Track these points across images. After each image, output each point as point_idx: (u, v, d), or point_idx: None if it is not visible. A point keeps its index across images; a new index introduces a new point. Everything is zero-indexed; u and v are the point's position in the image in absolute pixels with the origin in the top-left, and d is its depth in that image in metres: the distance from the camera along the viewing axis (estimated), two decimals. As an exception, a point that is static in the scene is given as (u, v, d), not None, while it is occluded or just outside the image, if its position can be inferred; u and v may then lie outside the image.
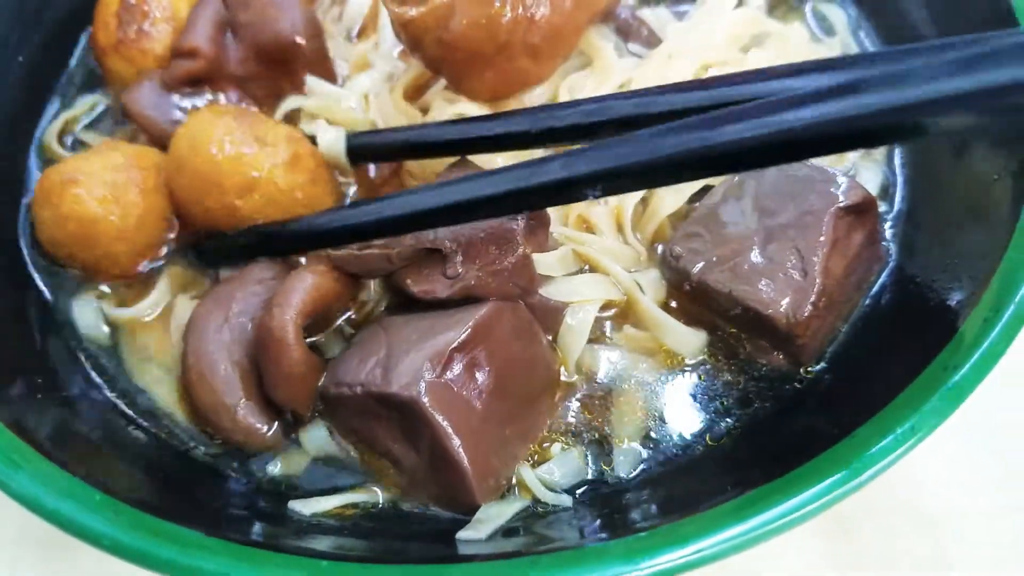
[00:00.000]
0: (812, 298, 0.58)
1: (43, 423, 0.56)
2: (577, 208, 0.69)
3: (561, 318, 0.65)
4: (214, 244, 0.70)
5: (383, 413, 0.59)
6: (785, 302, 0.59)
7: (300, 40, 0.77)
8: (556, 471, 0.60)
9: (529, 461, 0.61)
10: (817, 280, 0.58)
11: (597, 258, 0.67)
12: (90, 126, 0.81)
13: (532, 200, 0.57)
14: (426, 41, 0.70)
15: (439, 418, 0.55)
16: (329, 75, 0.80)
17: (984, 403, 0.52)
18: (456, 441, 0.55)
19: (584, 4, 0.74)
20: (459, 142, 0.66)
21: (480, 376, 0.58)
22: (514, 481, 0.59)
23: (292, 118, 0.78)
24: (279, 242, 0.67)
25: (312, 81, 0.78)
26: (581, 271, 0.68)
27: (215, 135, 0.65)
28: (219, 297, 0.67)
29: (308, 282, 0.63)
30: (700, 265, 0.62)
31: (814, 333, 0.60)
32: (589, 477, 0.60)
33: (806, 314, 0.58)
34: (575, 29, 0.74)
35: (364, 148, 0.72)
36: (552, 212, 0.67)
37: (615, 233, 0.70)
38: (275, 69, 0.78)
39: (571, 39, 0.74)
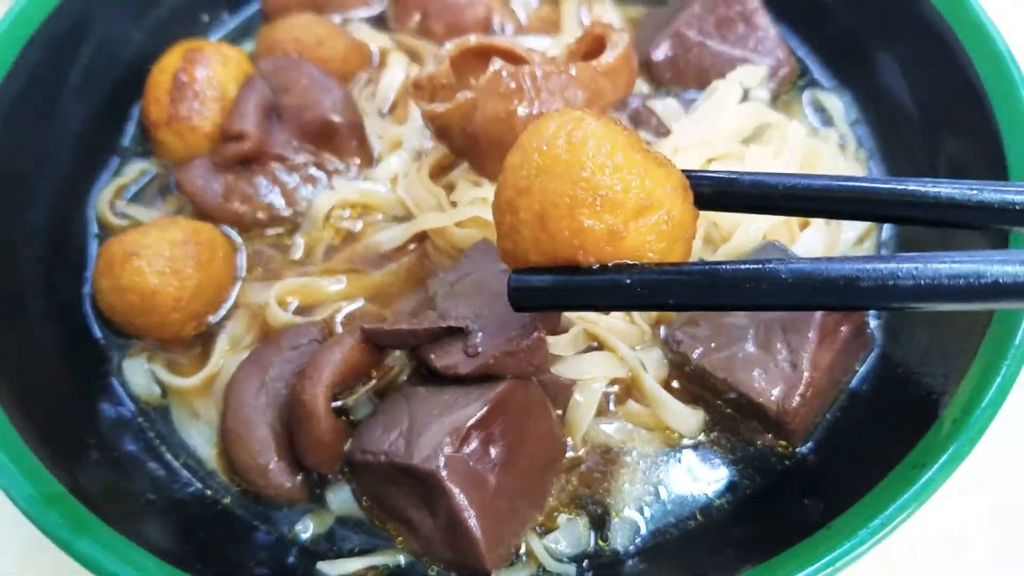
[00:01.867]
0: (800, 389, 0.64)
1: (97, 485, 0.62)
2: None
3: (570, 394, 0.70)
4: (549, 282, 0.52)
5: (404, 481, 0.64)
6: (776, 391, 0.64)
7: (339, 119, 0.84)
8: (561, 540, 0.65)
9: (537, 531, 0.66)
10: (805, 373, 0.64)
11: (605, 336, 0.73)
12: (137, 197, 0.87)
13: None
14: (452, 132, 0.77)
15: (456, 491, 0.60)
16: (365, 149, 0.87)
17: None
18: (471, 513, 0.60)
19: (596, 98, 0.80)
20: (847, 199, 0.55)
21: (494, 450, 0.64)
22: (523, 549, 0.65)
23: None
24: (648, 292, 0.50)
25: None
26: (590, 348, 0.74)
27: (616, 138, 0.50)
28: (256, 362, 0.73)
29: (337, 356, 0.69)
30: (699, 351, 0.68)
31: (802, 419, 0.66)
32: (590, 548, 0.65)
33: (794, 404, 0.64)
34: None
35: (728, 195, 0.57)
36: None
37: (622, 313, 0.75)
38: (318, 145, 0.85)
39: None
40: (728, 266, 0.50)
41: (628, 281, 0.49)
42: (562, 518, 0.67)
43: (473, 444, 0.63)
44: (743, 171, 0.58)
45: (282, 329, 0.75)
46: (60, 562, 0.68)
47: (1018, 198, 0.52)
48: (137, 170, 0.88)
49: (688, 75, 0.91)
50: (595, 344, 0.74)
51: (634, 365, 0.72)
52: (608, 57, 0.80)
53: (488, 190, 0.79)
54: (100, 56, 0.88)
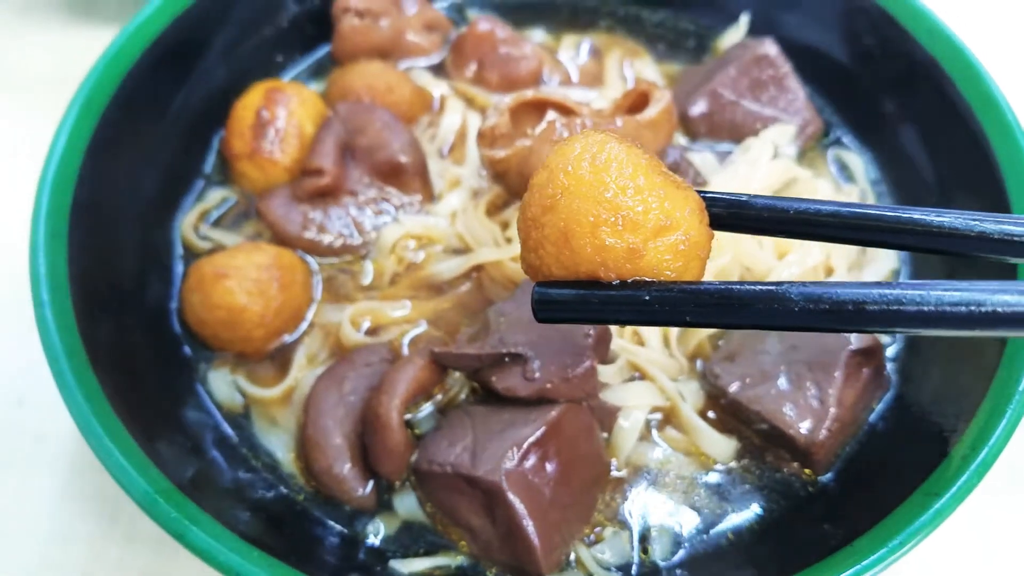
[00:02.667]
0: (827, 423, 0.71)
1: (194, 482, 0.69)
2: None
3: (615, 419, 0.78)
4: (571, 296, 0.53)
5: (466, 490, 0.71)
6: (804, 425, 0.72)
7: (407, 159, 0.92)
8: (607, 551, 0.72)
9: (585, 542, 0.73)
10: (831, 409, 0.72)
11: (646, 368, 0.81)
12: (217, 221, 0.95)
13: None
14: (509, 175, 0.85)
15: (517, 501, 0.68)
16: (428, 187, 0.95)
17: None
18: (529, 522, 0.68)
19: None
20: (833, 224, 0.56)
21: (549, 466, 0.71)
22: (572, 557, 0.72)
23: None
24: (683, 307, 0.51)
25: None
26: (633, 378, 0.82)
27: (638, 161, 0.51)
28: (333, 377, 0.80)
29: (410, 374, 0.77)
30: (736, 385, 0.76)
31: (827, 451, 0.73)
32: (633, 560, 0.73)
33: (822, 437, 0.71)
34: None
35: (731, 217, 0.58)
36: (613, 327, 0.81)
37: (662, 346, 0.83)
38: (386, 181, 0.93)
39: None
40: (742, 286, 0.50)
41: (647, 297, 0.51)
42: (607, 531, 0.74)
43: (532, 460, 0.70)
44: (755, 194, 0.59)
45: (354, 348, 0.83)
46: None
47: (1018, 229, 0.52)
48: (219, 197, 0.96)
49: (722, 129, 1.00)
50: (638, 375, 0.82)
51: (673, 395, 0.79)
52: (651, 112, 0.88)
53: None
54: (195, 88, 0.96)
